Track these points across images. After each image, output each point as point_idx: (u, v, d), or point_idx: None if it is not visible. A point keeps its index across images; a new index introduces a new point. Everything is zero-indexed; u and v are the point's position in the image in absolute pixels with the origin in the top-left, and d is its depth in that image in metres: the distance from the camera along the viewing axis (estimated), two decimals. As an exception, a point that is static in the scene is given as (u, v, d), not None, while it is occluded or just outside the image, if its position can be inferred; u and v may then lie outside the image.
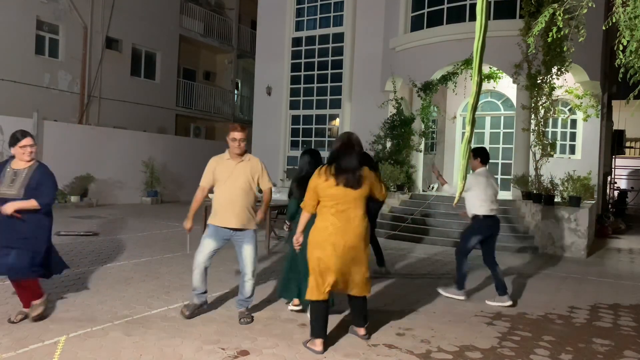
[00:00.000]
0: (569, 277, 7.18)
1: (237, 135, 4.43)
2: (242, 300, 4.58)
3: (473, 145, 4.66)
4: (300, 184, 4.66)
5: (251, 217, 4.53)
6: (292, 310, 4.86)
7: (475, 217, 5.60)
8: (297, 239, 4.12)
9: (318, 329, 3.91)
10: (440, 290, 5.75)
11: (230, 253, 7.89)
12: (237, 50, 22.11)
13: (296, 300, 4.86)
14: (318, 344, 3.88)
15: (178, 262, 7.02)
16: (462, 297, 5.63)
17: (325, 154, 14.74)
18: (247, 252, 4.50)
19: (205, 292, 4.62)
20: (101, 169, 14.46)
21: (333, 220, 3.84)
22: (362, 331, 4.21)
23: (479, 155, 5.68)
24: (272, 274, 6.48)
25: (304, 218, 4.04)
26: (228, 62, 22.31)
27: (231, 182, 4.47)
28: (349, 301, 4.19)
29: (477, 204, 5.54)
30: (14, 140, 4.22)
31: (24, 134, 4.26)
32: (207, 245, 4.52)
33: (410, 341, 4.20)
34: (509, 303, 5.40)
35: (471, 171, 5.77)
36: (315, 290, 3.88)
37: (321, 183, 3.87)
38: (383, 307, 5.20)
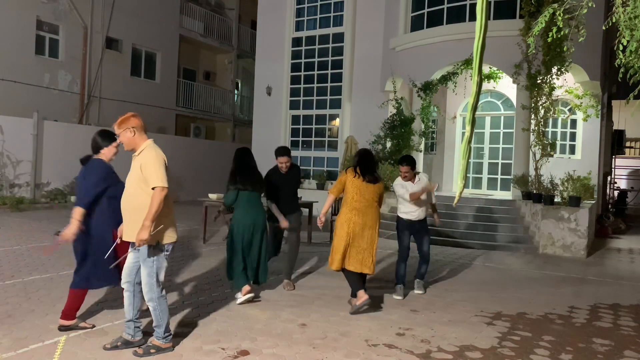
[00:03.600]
0: (569, 277, 7.18)
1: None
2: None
3: (472, 146, 4.72)
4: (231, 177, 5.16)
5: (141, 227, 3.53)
6: (241, 303, 5.01)
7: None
8: (321, 218, 5.15)
9: (355, 286, 5.00)
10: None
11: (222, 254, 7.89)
12: (237, 50, 22.11)
13: (247, 288, 5.03)
14: (361, 294, 4.87)
15: (177, 262, 7.02)
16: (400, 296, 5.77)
17: (325, 153, 14.79)
18: (142, 273, 3.67)
19: (131, 320, 3.76)
20: (101, 169, 14.43)
21: (356, 205, 5.00)
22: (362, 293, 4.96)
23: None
24: (271, 274, 6.44)
25: (329, 200, 5.21)
26: (228, 62, 22.30)
27: (126, 182, 3.76)
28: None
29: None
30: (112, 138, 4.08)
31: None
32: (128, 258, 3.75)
33: (410, 341, 4.20)
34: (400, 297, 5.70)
35: (423, 176, 6.07)
36: (337, 262, 5.00)
37: (350, 178, 5.08)
38: (382, 307, 5.21)
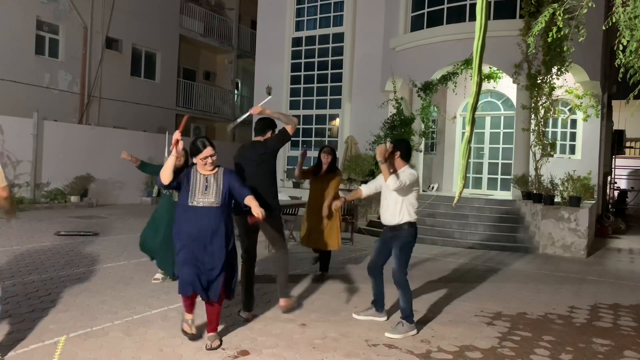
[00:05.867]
0: (569, 277, 7.18)
1: None
2: None
3: (472, 146, 4.62)
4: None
5: None
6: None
7: (411, 224, 4.43)
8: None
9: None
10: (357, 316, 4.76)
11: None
12: (237, 50, 22.12)
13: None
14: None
15: (178, 262, 7.01)
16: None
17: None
18: None
19: None
20: (101, 169, 14.45)
21: (315, 197, 6.25)
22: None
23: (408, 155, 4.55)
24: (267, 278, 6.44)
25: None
26: (228, 62, 22.31)
27: None
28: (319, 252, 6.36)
29: (414, 208, 4.48)
30: (196, 150, 3.87)
31: (204, 144, 3.86)
32: None
33: (410, 341, 4.20)
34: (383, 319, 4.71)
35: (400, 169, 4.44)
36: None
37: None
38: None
